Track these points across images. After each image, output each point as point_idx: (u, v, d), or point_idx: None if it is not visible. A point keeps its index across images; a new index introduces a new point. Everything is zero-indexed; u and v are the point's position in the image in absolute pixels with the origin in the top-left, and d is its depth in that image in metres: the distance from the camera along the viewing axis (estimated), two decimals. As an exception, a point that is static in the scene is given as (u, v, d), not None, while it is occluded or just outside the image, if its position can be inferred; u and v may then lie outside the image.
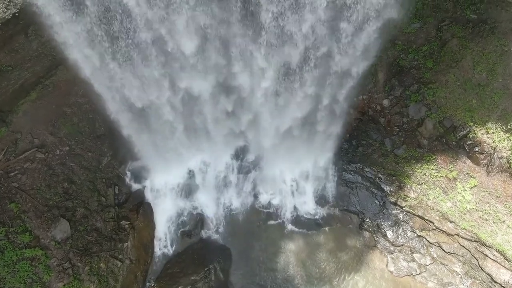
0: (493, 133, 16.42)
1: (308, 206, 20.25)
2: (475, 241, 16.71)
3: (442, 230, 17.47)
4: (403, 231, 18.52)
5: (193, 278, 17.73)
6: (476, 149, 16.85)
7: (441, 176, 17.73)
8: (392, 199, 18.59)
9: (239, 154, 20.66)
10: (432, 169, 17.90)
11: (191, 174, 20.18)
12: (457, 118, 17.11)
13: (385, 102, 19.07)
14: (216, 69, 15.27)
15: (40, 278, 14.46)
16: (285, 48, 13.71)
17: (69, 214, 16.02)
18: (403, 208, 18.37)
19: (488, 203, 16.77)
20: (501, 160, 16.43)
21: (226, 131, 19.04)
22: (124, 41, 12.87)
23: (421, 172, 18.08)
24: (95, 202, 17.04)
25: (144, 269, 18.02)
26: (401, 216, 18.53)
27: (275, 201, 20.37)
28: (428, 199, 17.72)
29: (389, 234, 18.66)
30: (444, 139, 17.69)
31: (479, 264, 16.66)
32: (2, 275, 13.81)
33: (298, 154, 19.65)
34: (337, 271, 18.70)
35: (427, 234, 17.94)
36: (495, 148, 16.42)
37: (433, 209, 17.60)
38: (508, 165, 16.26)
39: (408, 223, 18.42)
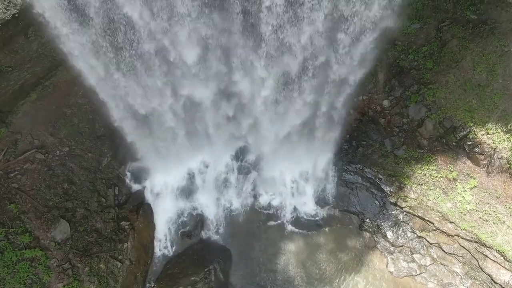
0: (493, 133, 16.41)
1: (308, 207, 20.23)
2: (475, 241, 16.70)
3: (442, 231, 17.45)
4: (403, 232, 18.51)
5: (193, 278, 17.74)
6: (476, 149, 16.84)
7: (441, 177, 17.72)
8: (392, 200, 18.57)
9: (239, 154, 20.68)
10: (432, 170, 17.89)
11: (191, 174, 20.19)
12: (457, 119, 17.09)
13: (385, 103, 19.07)
14: (217, 77, 15.55)
15: (40, 279, 14.47)
16: (284, 58, 13.93)
17: (69, 215, 16.03)
18: (403, 209, 18.35)
19: (488, 203, 16.76)
20: (501, 161, 16.42)
21: (227, 136, 19.24)
22: (128, 51, 13.18)
23: (421, 173, 18.07)
24: (95, 203, 17.04)
25: (144, 270, 18.02)
26: (401, 216, 18.52)
27: (275, 202, 20.36)
28: (428, 199, 17.71)
29: (389, 234, 18.65)
30: (444, 140, 17.68)
31: (479, 264, 16.64)
32: (2, 275, 13.83)
33: (298, 154, 19.68)
34: (337, 272, 18.70)
35: (427, 235, 17.92)
36: (495, 148, 16.41)
37: (433, 209, 17.59)
38: (508, 165, 16.25)
39: (408, 224, 18.41)
